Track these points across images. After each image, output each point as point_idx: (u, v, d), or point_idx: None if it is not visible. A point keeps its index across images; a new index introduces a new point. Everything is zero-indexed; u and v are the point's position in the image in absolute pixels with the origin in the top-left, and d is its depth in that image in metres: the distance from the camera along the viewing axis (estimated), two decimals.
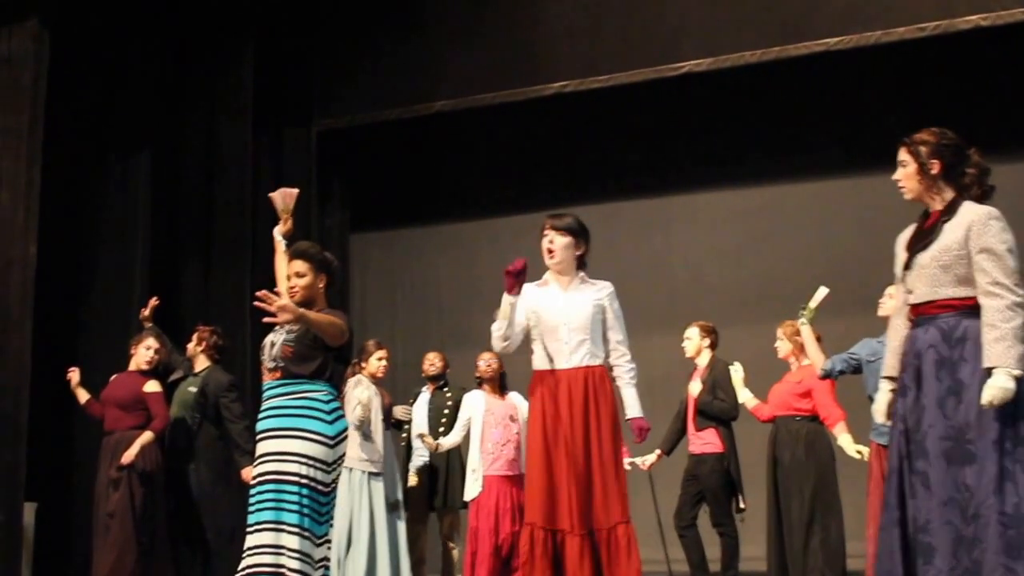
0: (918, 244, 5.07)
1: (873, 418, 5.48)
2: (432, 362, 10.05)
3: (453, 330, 12.26)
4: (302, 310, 5.99)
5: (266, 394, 6.26)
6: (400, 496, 9.10)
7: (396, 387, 10.61)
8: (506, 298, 6.24)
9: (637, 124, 11.96)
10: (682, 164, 12.01)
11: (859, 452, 8.14)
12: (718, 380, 8.93)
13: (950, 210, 5.05)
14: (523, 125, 12.18)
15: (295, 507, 6.02)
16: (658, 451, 9.18)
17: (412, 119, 12.11)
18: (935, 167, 5.10)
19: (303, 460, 6.05)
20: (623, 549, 5.99)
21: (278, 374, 6.21)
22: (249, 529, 6.10)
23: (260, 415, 6.25)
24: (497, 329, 6.33)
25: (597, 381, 6.19)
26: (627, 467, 8.13)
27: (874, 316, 5.61)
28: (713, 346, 9.16)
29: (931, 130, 5.18)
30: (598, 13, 11.36)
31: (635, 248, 11.89)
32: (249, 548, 6.05)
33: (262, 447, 6.18)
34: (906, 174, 5.17)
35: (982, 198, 5.10)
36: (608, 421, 6.15)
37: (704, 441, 8.93)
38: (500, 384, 9.10)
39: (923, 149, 5.12)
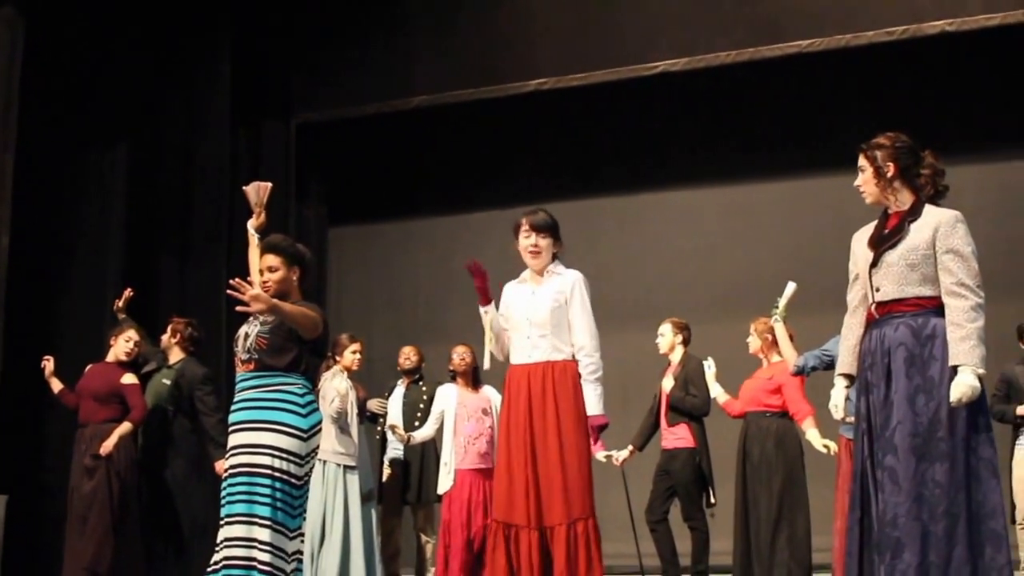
0: (885, 243, 5.15)
1: (832, 414, 5.54)
2: (407, 356, 10.08)
3: (429, 324, 12.31)
4: (275, 301, 5.94)
5: (239, 386, 6.20)
6: (374, 488, 9.13)
7: (372, 381, 10.63)
8: (481, 312, 6.31)
9: (613, 122, 12.07)
10: (657, 162, 12.10)
11: (826, 446, 8.19)
12: (690, 376, 8.97)
13: (915, 211, 5.17)
14: (501, 121, 12.25)
15: (267, 500, 5.99)
16: (631, 446, 9.19)
17: (390, 114, 12.18)
18: (891, 170, 5.23)
19: (276, 453, 6.02)
20: (582, 545, 5.92)
21: (252, 366, 6.14)
22: (221, 522, 6.09)
23: (233, 407, 6.20)
24: (487, 343, 6.38)
25: (558, 376, 6.09)
26: (602, 460, 8.18)
27: (845, 313, 5.64)
28: (686, 342, 9.19)
29: (886, 135, 5.31)
30: (576, 12, 11.45)
31: (610, 244, 11.95)
32: (221, 541, 6.04)
33: (235, 439, 6.14)
34: (865, 179, 5.31)
35: (936, 197, 5.24)
36: (569, 416, 6.05)
37: (676, 436, 8.97)
38: (473, 377, 9.13)
39: (879, 153, 5.25)
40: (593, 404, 6.12)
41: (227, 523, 6.05)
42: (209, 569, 6.08)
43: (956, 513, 4.87)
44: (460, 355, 9.15)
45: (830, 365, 7.76)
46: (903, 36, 10.30)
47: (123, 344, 9.02)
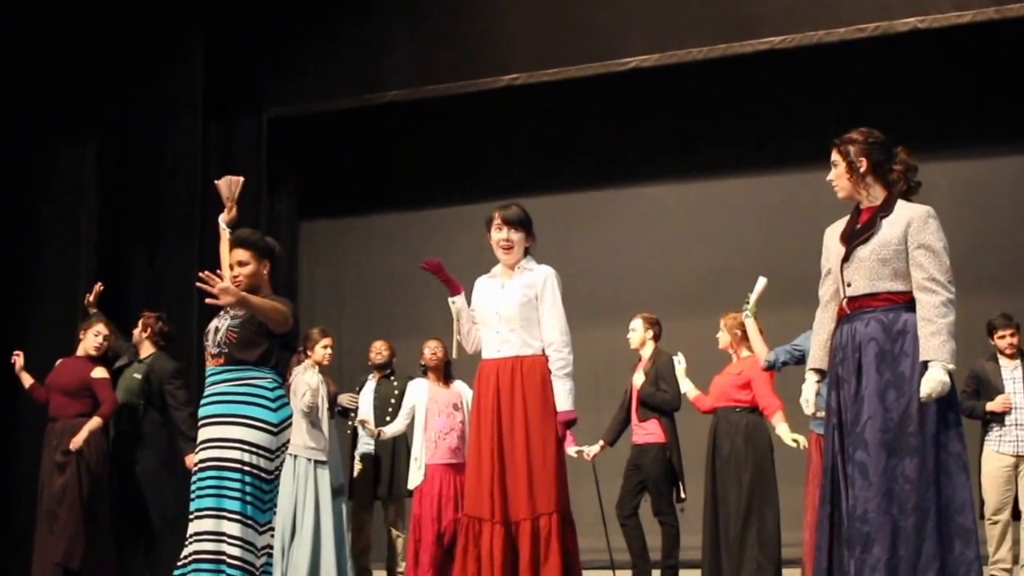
0: (857, 238, 5.17)
1: (803, 409, 5.55)
2: (379, 351, 10.08)
3: (401, 319, 12.27)
4: (244, 294, 5.97)
5: (209, 380, 6.23)
6: (344, 483, 9.13)
7: (343, 375, 10.65)
8: (450, 302, 6.37)
9: (586, 118, 12.08)
10: (629, 157, 12.10)
11: (795, 441, 8.23)
12: (661, 371, 8.99)
13: (887, 206, 5.18)
14: (473, 116, 12.25)
15: (237, 494, 6.02)
16: (601, 441, 9.20)
17: (363, 109, 12.15)
18: (863, 165, 5.24)
19: (246, 447, 6.05)
20: (544, 539, 5.95)
21: (222, 360, 6.17)
22: (191, 516, 6.11)
23: (203, 401, 6.23)
24: (455, 334, 6.41)
25: (527, 371, 6.12)
26: (573, 455, 8.20)
27: (815, 308, 5.64)
28: (657, 338, 9.21)
29: (859, 130, 5.32)
30: (549, 7, 11.44)
31: (582, 240, 11.95)
32: (191, 535, 6.06)
33: (205, 433, 6.16)
34: (837, 173, 5.32)
35: (908, 193, 5.25)
36: (537, 411, 6.08)
37: (647, 431, 9.00)
38: (445, 372, 9.12)
39: (852, 148, 5.26)
40: (563, 399, 6.13)
41: (196, 517, 6.08)
42: (179, 563, 6.10)
43: (926, 508, 4.89)
44: (432, 350, 9.15)
45: (800, 360, 7.79)
46: (875, 33, 10.33)
47: (92, 338, 9.02)
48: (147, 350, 9.25)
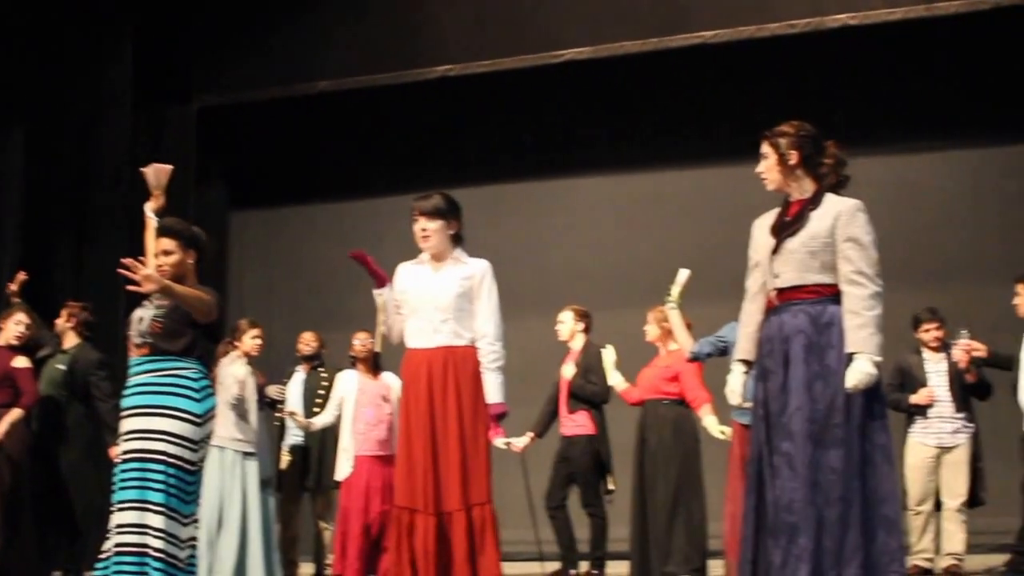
0: (786, 230, 5.18)
1: (728, 399, 5.57)
2: (307, 342, 10.05)
3: (330, 310, 12.24)
4: (168, 282, 5.88)
5: (132, 370, 6.13)
6: (272, 475, 9.08)
7: (271, 367, 10.56)
8: (375, 294, 6.37)
9: (518, 109, 12.09)
10: (560, 150, 12.15)
11: (723, 432, 8.25)
12: (591, 364, 9.02)
13: (816, 200, 5.21)
14: (405, 107, 12.26)
15: (160, 486, 5.92)
16: (530, 433, 9.22)
17: (294, 98, 12.12)
18: (794, 157, 5.25)
19: (169, 438, 5.95)
20: (478, 530, 5.97)
21: (146, 350, 6.07)
22: (113, 508, 6.03)
23: (126, 391, 6.13)
24: (382, 324, 6.39)
25: (459, 361, 6.10)
26: (502, 447, 8.19)
27: (741, 301, 5.66)
28: (587, 330, 9.24)
29: (790, 123, 5.34)
30: None
31: (512, 232, 11.95)
32: (113, 527, 5.98)
33: (128, 424, 6.06)
34: (767, 165, 5.32)
35: (837, 187, 5.28)
36: (469, 402, 6.08)
37: (576, 423, 9.03)
38: (374, 364, 9.06)
39: (782, 141, 5.27)
40: (494, 392, 6.14)
41: (120, 509, 5.98)
42: (101, 556, 6.02)
43: (850, 499, 4.93)
44: (361, 341, 9.09)
45: (724, 351, 7.82)
46: (806, 29, 10.45)
47: (13, 327, 8.88)
48: (71, 341, 9.16)
